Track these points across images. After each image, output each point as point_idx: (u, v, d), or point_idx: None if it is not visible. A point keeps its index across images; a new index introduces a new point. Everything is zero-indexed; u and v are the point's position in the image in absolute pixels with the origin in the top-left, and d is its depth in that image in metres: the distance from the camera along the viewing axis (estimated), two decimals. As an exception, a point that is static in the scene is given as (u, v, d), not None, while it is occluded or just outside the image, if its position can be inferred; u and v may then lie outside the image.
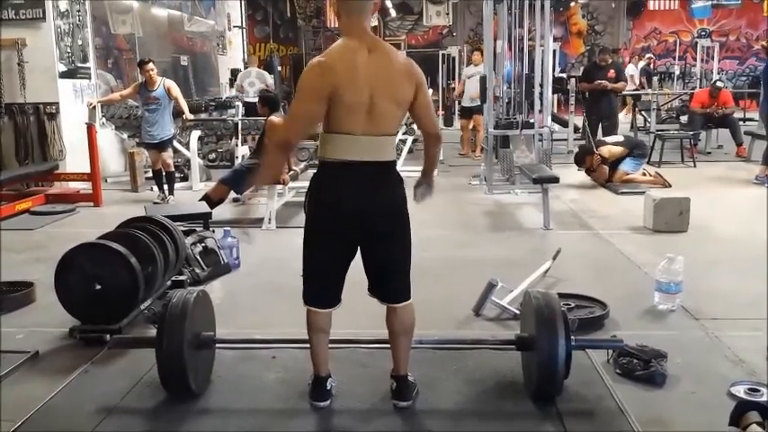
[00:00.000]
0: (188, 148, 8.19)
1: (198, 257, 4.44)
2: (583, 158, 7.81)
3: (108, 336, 3.23)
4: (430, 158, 2.84)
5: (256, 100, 10.03)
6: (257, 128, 8.63)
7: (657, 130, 10.00)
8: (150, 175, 7.64)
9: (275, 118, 6.05)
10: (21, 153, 7.48)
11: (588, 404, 2.72)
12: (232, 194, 6.41)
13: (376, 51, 2.49)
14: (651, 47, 19.20)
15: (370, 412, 2.69)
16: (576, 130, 10.69)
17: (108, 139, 8.74)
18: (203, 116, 10.38)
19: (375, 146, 2.50)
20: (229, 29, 14.39)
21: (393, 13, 18.99)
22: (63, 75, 7.74)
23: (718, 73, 13.77)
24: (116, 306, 3.38)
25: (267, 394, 2.85)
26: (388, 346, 2.74)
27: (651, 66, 14.78)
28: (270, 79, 11.62)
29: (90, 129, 7.17)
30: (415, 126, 9.55)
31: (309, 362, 2.73)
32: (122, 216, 4.36)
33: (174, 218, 4.52)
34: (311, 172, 3.57)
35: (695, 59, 15.02)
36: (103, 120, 8.59)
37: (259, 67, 13.88)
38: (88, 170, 7.16)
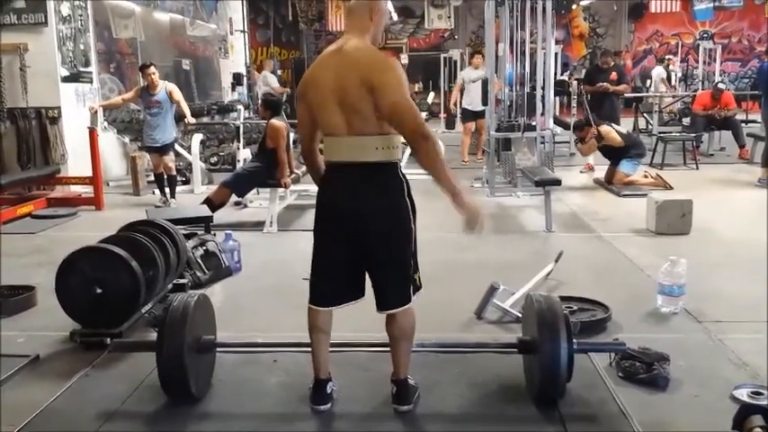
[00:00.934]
0: (190, 152, 8.19)
1: (199, 261, 4.44)
2: (582, 127, 7.84)
3: (109, 339, 3.23)
4: (425, 169, 2.44)
5: None
6: (259, 131, 8.63)
7: (660, 132, 9.98)
8: (152, 178, 7.64)
9: (275, 121, 6.05)
10: (23, 157, 7.47)
11: (591, 408, 2.71)
12: (234, 198, 6.42)
13: (344, 50, 2.49)
14: (653, 49, 19.19)
15: (371, 416, 2.68)
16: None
17: (110, 142, 8.74)
18: (205, 120, 10.39)
19: (357, 147, 2.49)
20: (231, 33, 14.40)
21: (395, 16, 19.00)
22: (65, 79, 7.75)
23: (720, 75, 13.73)
24: (117, 310, 3.38)
25: (268, 398, 2.85)
26: (389, 349, 2.72)
27: (670, 67, 14.61)
28: (275, 82, 11.61)
29: (92, 133, 7.18)
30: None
31: (311, 365, 2.72)
32: (124, 220, 4.36)
33: (176, 221, 4.51)
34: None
35: (697, 62, 14.99)
36: (105, 124, 8.59)
37: (258, 71, 13.92)
38: (90, 174, 7.16)
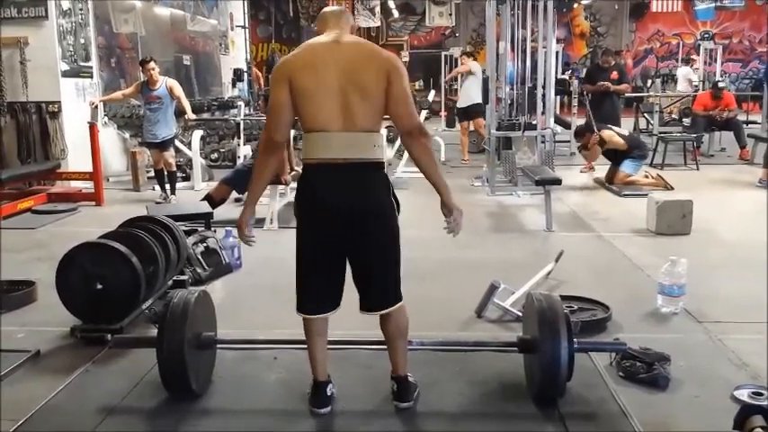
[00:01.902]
0: (190, 148, 8.19)
1: (199, 257, 4.43)
2: (583, 133, 7.84)
3: (109, 335, 3.22)
4: (419, 165, 2.49)
5: None
6: (259, 127, 8.62)
7: (660, 133, 9.99)
8: (152, 174, 7.64)
9: None
10: (23, 152, 7.47)
11: (591, 407, 2.71)
12: (234, 194, 6.41)
13: (344, 41, 2.45)
14: (654, 49, 19.19)
15: (371, 413, 2.68)
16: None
17: (110, 138, 8.74)
18: (206, 116, 10.38)
19: (353, 142, 2.40)
20: (232, 28, 14.38)
21: (396, 13, 19.00)
22: (65, 74, 7.74)
23: (721, 75, 13.71)
24: (117, 306, 3.38)
25: (268, 395, 2.85)
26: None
27: (693, 66, 14.51)
28: None
29: (92, 128, 7.17)
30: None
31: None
32: (124, 215, 4.36)
33: (176, 218, 4.52)
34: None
35: (698, 62, 14.99)
36: (105, 119, 8.59)
37: (259, 67, 13.86)
38: (90, 169, 7.16)
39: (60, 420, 2.63)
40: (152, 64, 7.10)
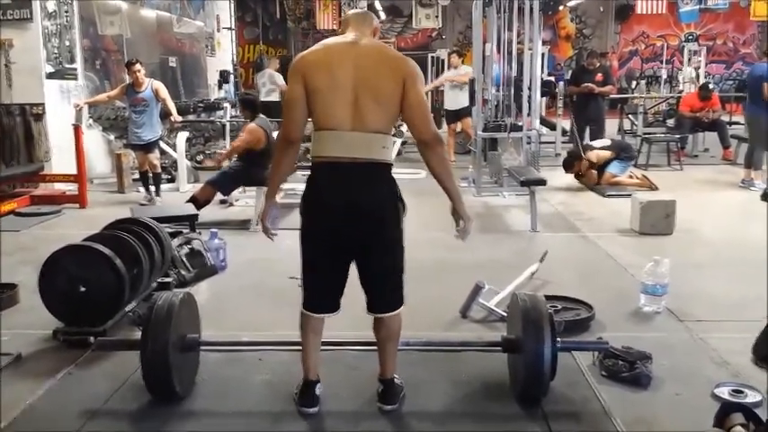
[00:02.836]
0: (175, 150, 8.15)
1: (184, 259, 4.42)
2: (571, 164, 7.85)
3: (92, 338, 3.21)
4: (435, 174, 2.51)
5: (268, 99, 10.03)
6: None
7: (644, 134, 10.05)
8: (137, 176, 7.59)
9: (253, 125, 6.04)
10: (6, 154, 7.38)
11: (574, 406, 2.73)
12: (219, 196, 6.39)
13: (362, 43, 2.46)
14: (639, 50, 19.31)
15: (357, 414, 2.69)
16: (563, 133, 10.73)
17: (95, 140, 8.68)
18: (191, 117, 10.34)
19: (362, 143, 2.40)
20: (218, 30, 14.34)
21: (383, 15, 19.00)
22: (50, 76, 7.68)
23: (706, 77, 13.80)
24: (100, 308, 3.36)
25: (253, 396, 2.84)
26: (376, 348, 2.73)
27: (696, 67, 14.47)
28: (281, 80, 11.52)
29: (77, 130, 7.12)
30: (403, 128, 9.59)
31: (296, 364, 2.72)
32: (108, 218, 4.33)
33: (161, 219, 4.50)
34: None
35: (682, 63, 15.10)
36: (90, 121, 8.53)
37: (248, 69, 13.82)
38: (74, 171, 7.11)
39: (42, 424, 2.62)
40: (137, 66, 7.07)
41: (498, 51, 7.98)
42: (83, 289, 3.31)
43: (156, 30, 11.73)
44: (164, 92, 7.25)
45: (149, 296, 3.71)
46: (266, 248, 5.26)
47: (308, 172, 2.56)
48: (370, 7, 15.89)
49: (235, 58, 14.80)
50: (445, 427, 2.61)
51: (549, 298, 3.30)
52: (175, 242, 4.43)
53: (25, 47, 7.38)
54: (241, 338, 3.21)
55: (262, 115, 6.23)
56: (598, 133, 9.30)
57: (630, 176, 7.69)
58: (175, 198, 7.21)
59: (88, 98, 8.17)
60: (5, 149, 7.38)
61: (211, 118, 10.60)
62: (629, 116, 12.45)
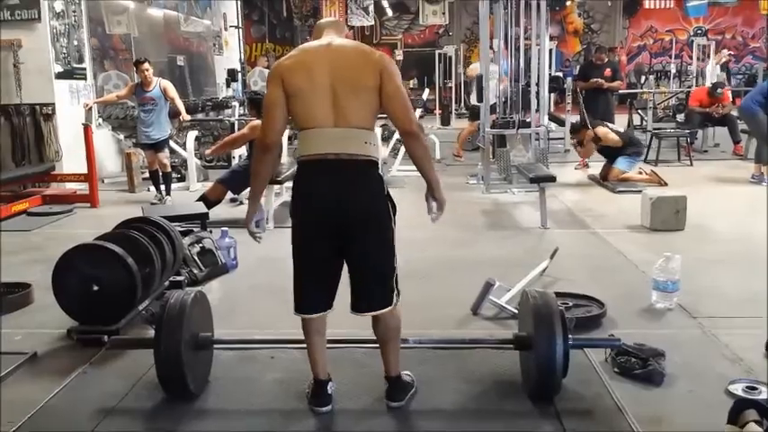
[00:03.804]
0: (185, 149, 8.18)
1: (195, 258, 4.44)
2: (579, 130, 7.84)
3: (106, 337, 3.22)
4: (416, 162, 2.57)
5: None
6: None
7: (654, 129, 10.01)
8: (147, 175, 7.63)
9: (257, 122, 6.04)
10: (17, 154, 7.46)
11: (586, 403, 2.72)
12: (229, 195, 6.41)
13: (336, 43, 2.51)
14: (647, 45, 19.23)
15: (368, 412, 2.69)
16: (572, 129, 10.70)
17: (104, 139, 8.73)
18: (200, 116, 10.36)
19: (344, 138, 2.42)
20: (225, 29, 14.35)
21: (389, 12, 18.99)
22: (59, 75, 7.72)
23: (724, 71, 13.66)
24: (114, 307, 3.38)
25: (265, 395, 2.85)
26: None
27: (729, 64, 14.25)
28: None
29: (86, 129, 7.17)
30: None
31: (308, 362, 2.72)
32: (119, 217, 4.35)
33: (172, 218, 4.51)
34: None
35: (691, 58, 15.02)
36: (100, 120, 8.57)
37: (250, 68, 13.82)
38: (85, 171, 7.15)
39: (58, 422, 2.64)
40: (146, 65, 7.10)
41: (506, 47, 7.96)
42: (96, 288, 3.33)
43: (163, 29, 11.76)
44: (172, 91, 7.28)
45: (162, 295, 3.74)
46: (277, 247, 5.29)
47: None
48: (377, 4, 15.90)
49: (242, 57, 14.81)
50: (457, 424, 2.61)
51: (559, 295, 3.31)
52: (186, 241, 4.45)
53: (34, 47, 7.43)
54: (253, 337, 3.22)
55: None
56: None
57: (640, 172, 7.66)
58: (185, 197, 7.24)
59: (97, 98, 8.20)
60: (16, 150, 7.45)
61: (220, 117, 10.61)
62: (639, 111, 12.40)
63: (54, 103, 7.58)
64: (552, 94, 10.76)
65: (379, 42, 19.21)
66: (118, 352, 3.18)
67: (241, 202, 6.85)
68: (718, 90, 10.15)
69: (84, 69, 8.30)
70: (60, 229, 6.11)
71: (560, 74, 12.37)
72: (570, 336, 2.66)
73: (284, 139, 6.10)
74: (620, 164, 7.52)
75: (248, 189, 6.57)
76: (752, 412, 2.21)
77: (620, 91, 10.72)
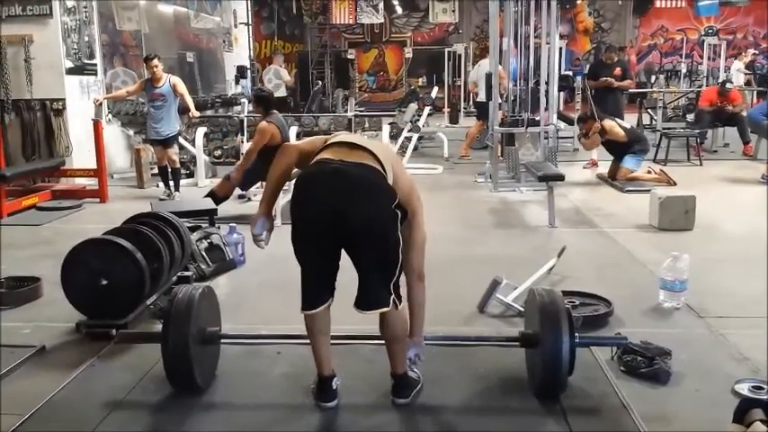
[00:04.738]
0: (194, 145, 8.21)
1: (203, 253, 4.46)
2: (585, 120, 7.83)
3: (114, 331, 3.24)
4: (417, 307, 2.70)
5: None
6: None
7: (664, 128, 9.96)
8: (156, 171, 7.66)
9: (263, 123, 6.05)
10: (27, 149, 7.50)
11: (592, 401, 2.73)
12: (237, 191, 6.43)
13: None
14: (657, 44, 19.14)
15: (375, 408, 2.70)
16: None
17: (114, 135, 8.76)
18: (209, 113, 10.39)
19: (352, 154, 2.49)
20: (235, 26, 14.39)
21: (399, 10, 18.97)
22: (69, 71, 7.76)
23: (726, 71, 13.63)
24: (122, 301, 3.40)
25: (272, 389, 2.87)
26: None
27: (755, 63, 14.07)
28: (287, 76, 11.52)
29: (96, 125, 7.21)
30: (420, 123, 9.57)
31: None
32: (128, 212, 4.38)
33: (180, 214, 4.53)
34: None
35: (702, 57, 14.94)
36: (110, 116, 8.61)
37: (265, 64, 13.85)
38: (94, 166, 7.19)
39: (66, 415, 2.66)
40: (155, 61, 7.12)
41: (515, 46, 7.94)
42: (104, 282, 3.35)
43: (173, 25, 11.81)
44: (182, 87, 7.30)
45: (170, 290, 3.75)
46: (285, 243, 5.31)
47: None
48: (387, 2, 15.90)
49: (252, 54, 14.85)
50: (463, 421, 2.62)
51: (566, 293, 3.31)
52: (194, 236, 4.47)
53: (45, 42, 7.46)
54: (260, 332, 3.24)
55: (275, 111, 6.25)
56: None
57: (649, 171, 7.63)
58: (194, 193, 7.27)
59: (107, 93, 8.24)
60: (27, 144, 7.49)
61: (229, 113, 10.64)
62: (648, 111, 12.35)
63: (64, 99, 7.61)
64: (562, 93, 10.73)
65: (389, 40, 19.22)
66: (126, 346, 3.20)
67: (249, 199, 6.87)
68: (727, 85, 10.10)
69: (95, 65, 8.34)
70: (69, 223, 6.15)
71: (570, 72, 12.32)
72: (576, 334, 2.66)
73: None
74: (628, 162, 7.49)
75: (255, 186, 6.62)
76: (758, 411, 2.20)
77: (629, 90, 10.65)
